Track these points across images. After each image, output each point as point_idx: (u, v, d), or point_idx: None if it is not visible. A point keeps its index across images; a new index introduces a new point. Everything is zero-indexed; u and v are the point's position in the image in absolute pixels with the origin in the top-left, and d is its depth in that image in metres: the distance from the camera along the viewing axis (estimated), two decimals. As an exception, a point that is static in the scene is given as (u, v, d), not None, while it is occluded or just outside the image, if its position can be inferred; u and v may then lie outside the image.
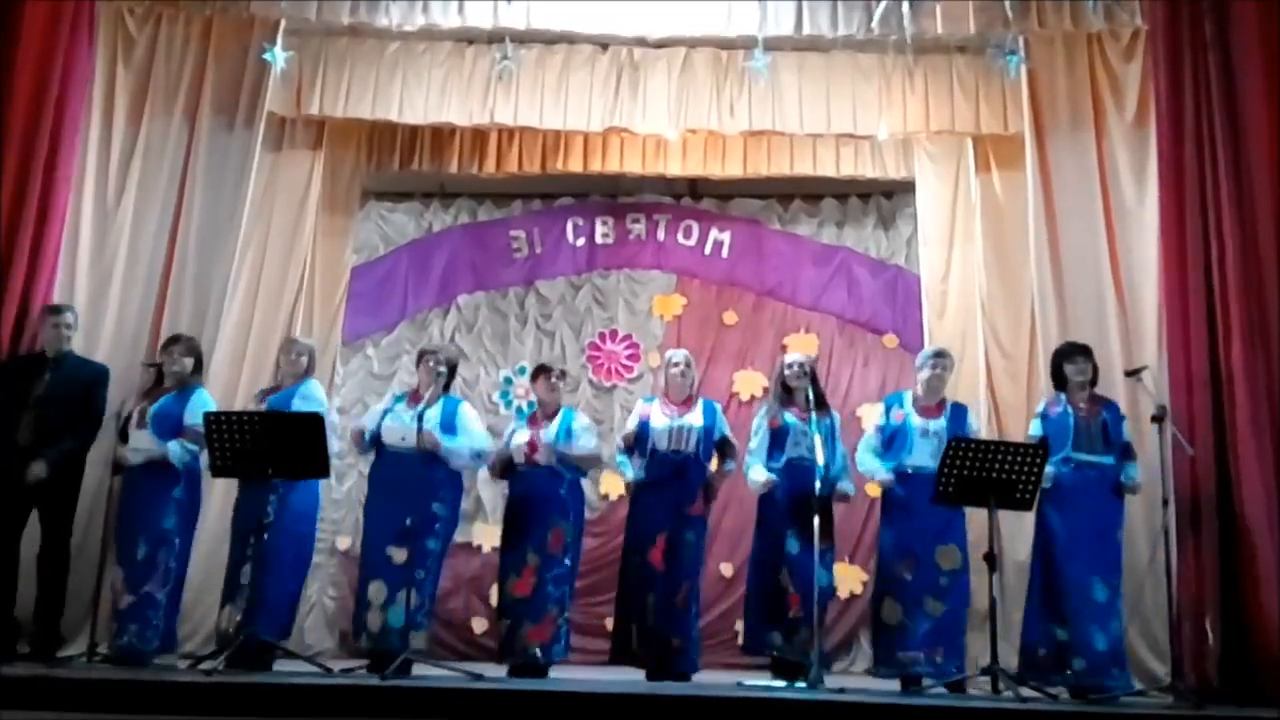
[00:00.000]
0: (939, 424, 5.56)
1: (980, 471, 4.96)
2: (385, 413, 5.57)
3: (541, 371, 5.86)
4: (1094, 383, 5.53)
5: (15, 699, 3.97)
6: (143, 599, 5.33)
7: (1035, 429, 5.54)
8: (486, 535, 7.33)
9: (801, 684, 5.13)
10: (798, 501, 5.42)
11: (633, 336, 7.99)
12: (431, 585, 5.46)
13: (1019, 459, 4.97)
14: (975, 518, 5.52)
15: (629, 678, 5.47)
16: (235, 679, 4.48)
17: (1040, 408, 5.62)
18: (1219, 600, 5.33)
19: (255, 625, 5.03)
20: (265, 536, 5.14)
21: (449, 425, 5.48)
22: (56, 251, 5.94)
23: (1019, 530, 5.78)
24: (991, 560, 4.97)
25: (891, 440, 5.62)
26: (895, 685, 5.36)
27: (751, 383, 7.78)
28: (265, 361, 6.54)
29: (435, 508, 5.41)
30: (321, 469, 5.10)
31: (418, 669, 5.06)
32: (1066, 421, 5.42)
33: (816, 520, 5.14)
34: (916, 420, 5.60)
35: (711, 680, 5.54)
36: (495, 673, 5.33)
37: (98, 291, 6.06)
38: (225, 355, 6.36)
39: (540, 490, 5.60)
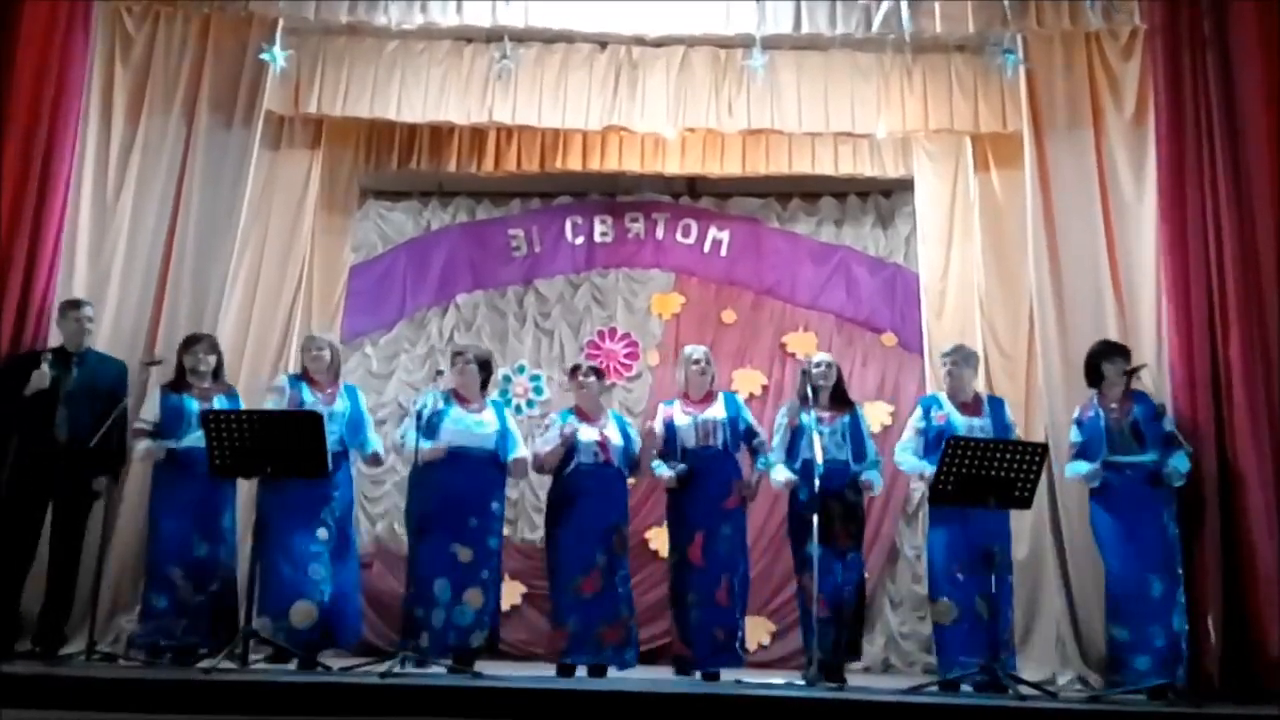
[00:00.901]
0: (983, 421, 5.56)
1: (979, 470, 4.96)
2: (431, 416, 5.48)
3: (572, 372, 5.97)
4: (1129, 381, 5.50)
5: (15, 697, 3.97)
6: (209, 598, 5.39)
7: (1074, 436, 5.53)
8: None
9: (801, 681, 5.13)
10: (819, 501, 5.38)
11: (631, 335, 7.99)
12: (496, 584, 5.57)
13: (1018, 457, 4.98)
14: (1020, 517, 5.59)
15: (627, 675, 5.48)
16: (234, 677, 4.48)
17: (1075, 414, 5.59)
18: (1221, 597, 5.33)
19: (333, 629, 5.32)
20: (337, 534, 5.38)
21: (504, 429, 5.65)
22: (55, 249, 5.94)
23: (1018, 529, 5.78)
24: (991, 559, 4.97)
25: (936, 440, 5.49)
26: (903, 683, 5.35)
27: (750, 381, 7.78)
28: (264, 359, 6.54)
29: (494, 507, 5.56)
30: (320, 467, 5.10)
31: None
32: (1099, 425, 5.42)
33: (816, 519, 5.15)
34: (960, 418, 5.58)
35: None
36: (491, 671, 5.32)
37: (96, 289, 6.05)
38: (224, 353, 6.34)
39: (606, 490, 5.64)
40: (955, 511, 5.34)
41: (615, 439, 5.71)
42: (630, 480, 5.93)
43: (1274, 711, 4.79)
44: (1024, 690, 4.85)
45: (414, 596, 5.33)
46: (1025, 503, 5.09)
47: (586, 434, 5.68)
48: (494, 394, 7.70)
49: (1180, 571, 5.22)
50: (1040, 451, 5.08)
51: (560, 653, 5.51)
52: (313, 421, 5.06)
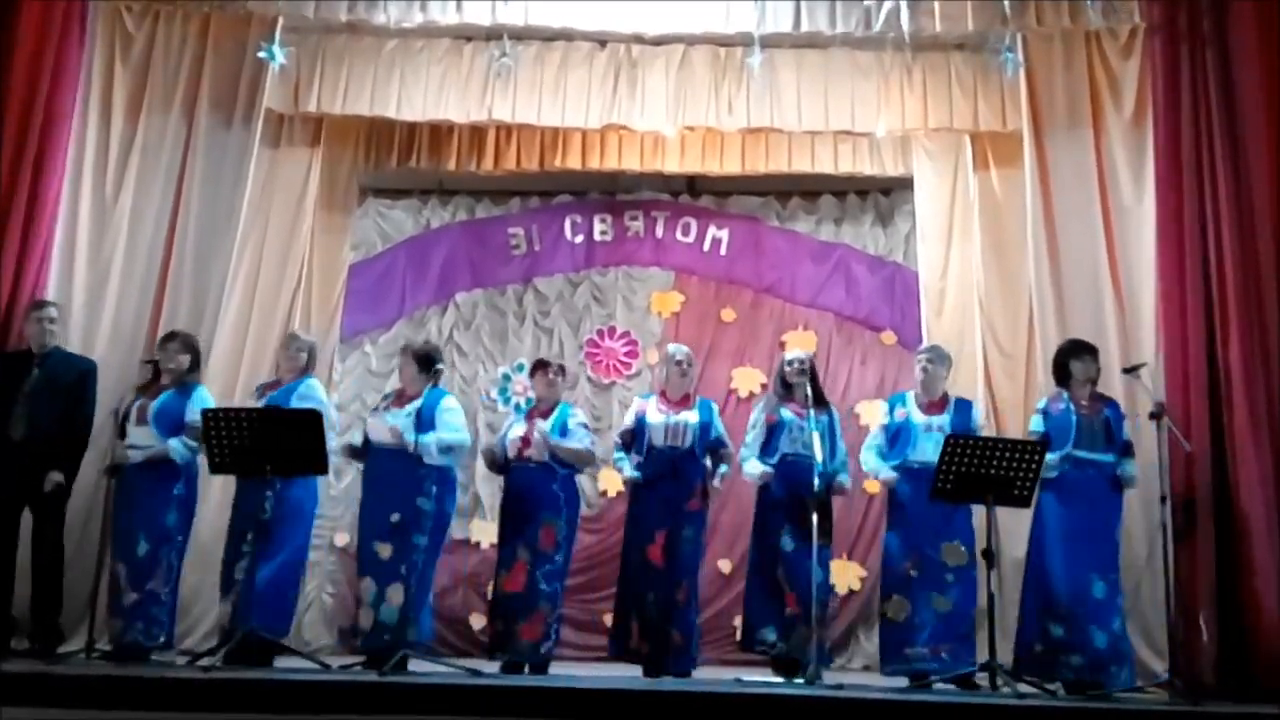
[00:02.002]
0: (942, 420, 5.58)
1: (978, 468, 4.97)
2: (373, 414, 5.57)
3: (540, 366, 5.86)
4: (1096, 381, 5.53)
5: (14, 696, 3.97)
6: (148, 596, 5.34)
7: (1036, 425, 5.55)
8: (485, 532, 7.33)
9: (800, 680, 5.14)
10: (792, 498, 5.46)
11: (631, 333, 7.98)
12: (422, 580, 5.34)
13: (1017, 456, 4.99)
14: (980, 514, 5.50)
15: (627, 674, 5.49)
16: (233, 675, 4.49)
17: (1042, 404, 5.62)
18: (1216, 596, 5.34)
19: (254, 621, 5.01)
20: (263, 532, 5.15)
21: (429, 419, 5.39)
22: (46, 247, 5.95)
23: (1017, 527, 5.78)
24: (990, 557, 4.98)
25: (896, 438, 5.64)
26: (899, 682, 5.36)
27: (750, 379, 7.78)
28: (263, 358, 6.54)
29: (420, 503, 5.33)
30: (319, 466, 5.12)
31: (415, 664, 5.06)
32: (1069, 419, 5.43)
33: (815, 518, 5.15)
34: (919, 417, 5.62)
35: (710, 676, 5.54)
36: (491, 669, 5.33)
37: (96, 287, 6.06)
38: (223, 352, 6.37)
39: (533, 486, 5.59)
40: (906, 509, 5.47)
41: (543, 428, 5.61)
42: (581, 475, 5.90)
43: (1272, 710, 4.79)
44: (1023, 689, 4.86)
45: (356, 596, 5.45)
46: (1024, 501, 5.10)
47: (514, 430, 5.68)
48: (493, 392, 7.83)
49: (1118, 577, 5.29)
50: (1039, 450, 5.09)
51: (486, 650, 5.55)
52: (312, 420, 5.06)
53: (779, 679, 5.35)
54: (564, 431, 5.65)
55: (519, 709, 4.16)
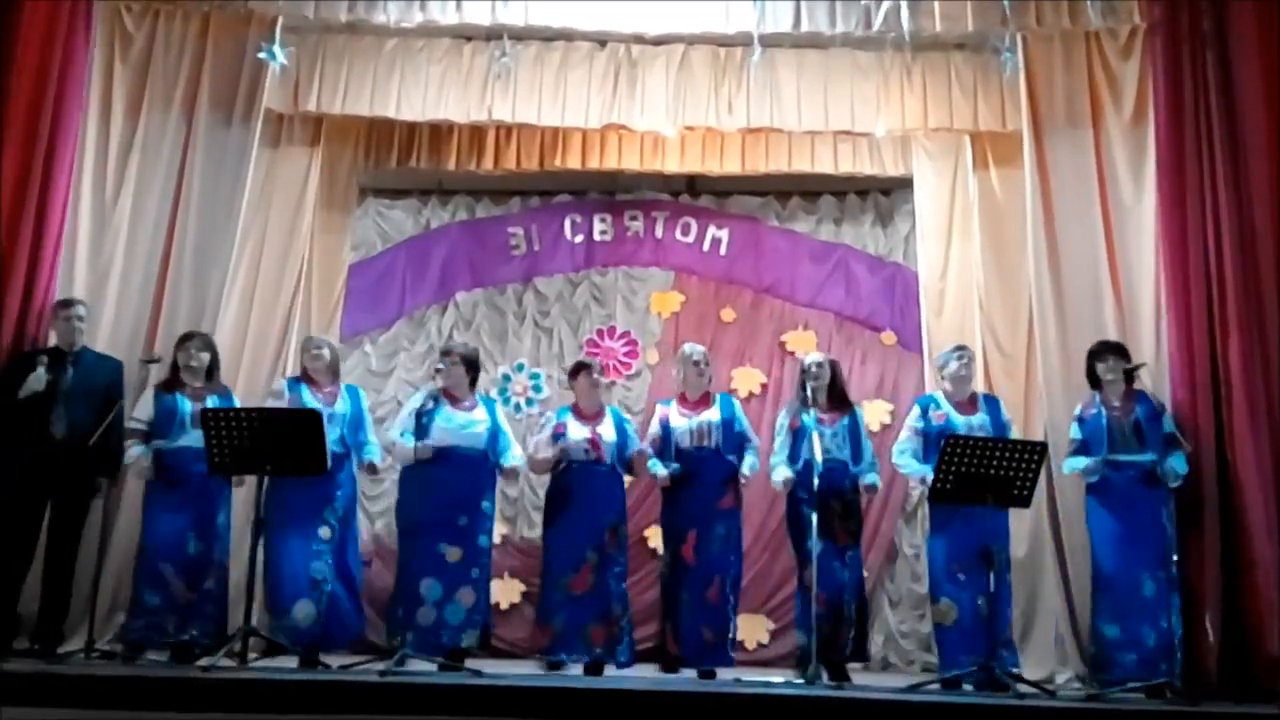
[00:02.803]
0: (981, 419, 5.59)
1: (978, 469, 4.97)
2: (422, 415, 5.39)
3: (582, 369, 5.91)
4: (1132, 380, 5.50)
5: (14, 696, 3.97)
6: (204, 596, 5.38)
7: (1075, 433, 5.55)
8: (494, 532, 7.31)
9: (800, 681, 5.13)
10: (818, 501, 5.40)
11: (631, 333, 7.99)
12: (486, 583, 5.54)
13: (1016, 456, 4.99)
14: (1019, 516, 5.58)
15: (627, 674, 5.49)
16: (233, 675, 4.49)
17: (1077, 411, 5.61)
18: (1219, 597, 5.34)
19: (332, 628, 5.33)
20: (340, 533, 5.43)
21: (496, 426, 5.63)
22: (57, 246, 5.94)
23: (1017, 528, 5.78)
24: (989, 558, 4.97)
25: (939, 440, 5.42)
26: (900, 682, 5.35)
27: (749, 379, 7.78)
28: (263, 358, 6.53)
29: (485, 506, 5.53)
30: (319, 465, 5.11)
31: (415, 664, 5.06)
32: (1100, 424, 5.44)
33: (815, 518, 5.17)
34: (959, 417, 5.60)
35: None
36: (491, 669, 5.32)
37: (96, 287, 6.05)
38: (223, 351, 6.28)
39: (597, 488, 5.64)
40: (955, 513, 5.35)
41: (609, 436, 5.70)
42: (628, 478, 5.93)
43: (1273, 710, 4.80)
44: (1023, 689, 4.85)
45: (399, 595, 5.37)
46: (1024, 501, 5.10)
47: (577, 432, 5.69)
48: (492, 391, 7.83)
49: (1175, 572, 5.20)
50: (1039, 450, 5.09)
51: (544, 650, 5.54)
52: (311, 420, 5.06)
53: (778, 678, 5.34)
54: (625, 436, 5.80)
55: (519, 709, 4.16)
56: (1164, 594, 5.22)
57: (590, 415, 5.77)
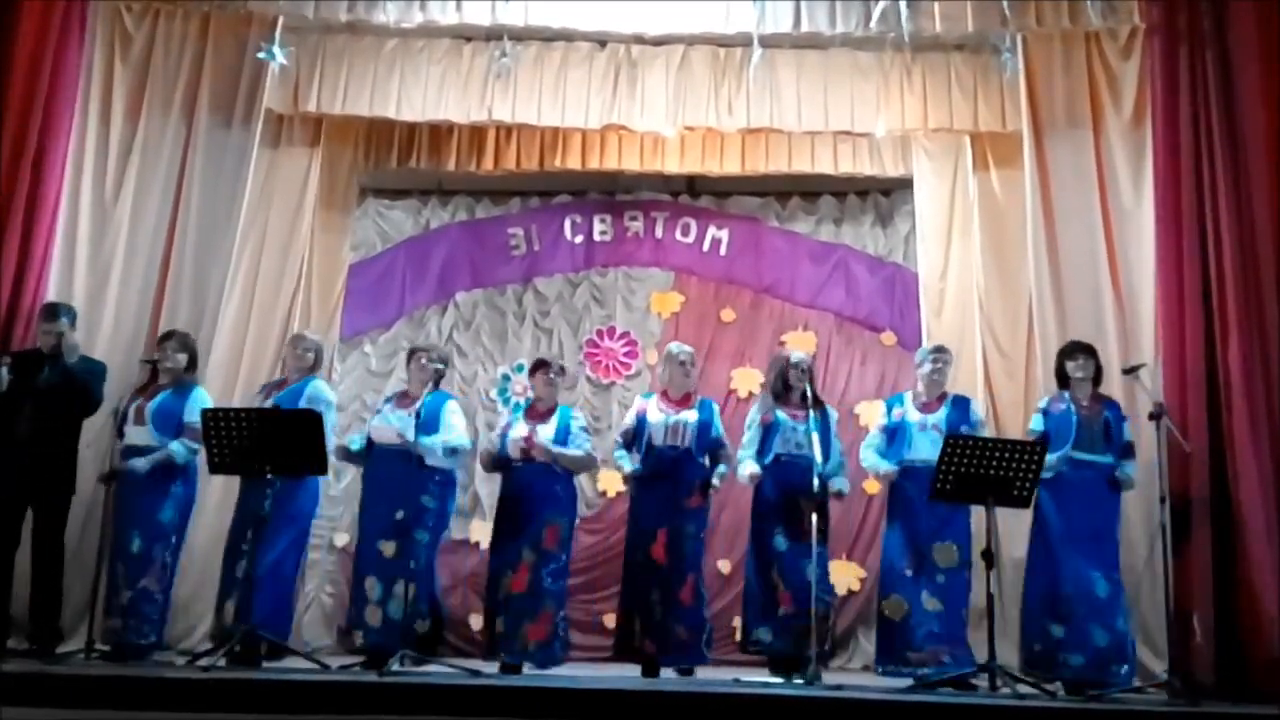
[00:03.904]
0: (937, 417, 5.60)
1: (978, 469, 4.97)
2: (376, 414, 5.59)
3: (540, 366, 5.87)
4: (1098, 381, 5.54)
5: (14, 696, 3.97)
6: (140, 593, 5.35)
7: (1036, 424, 5.58)
8: (484, 532, 7.29)
9: (799, 680, 5.14)
10: (786, 498, 5.48)
11: (631, 334, 7.99)
12: (427, 575, 5.48)
13: (1017, 456, 4.99)
14: (979, 514, 5.50)
15: (627, 674, 5.49)
16: (232, 675, 4.49)
17: (1043, 403, 5.64)
18: (1214, 597, 5.34)
19: (253, 621, 5.02)
20: (262, 532, 5.14)
21: (432, 421, 5.49)
22: (47, 248, 5.95)
23: (1017, 528, 5.78)
24: (989, 557, 4.98)
25: (893, 437, 5.67)
26: (897, 682, 5.35)
27: (749, 380, 7.77)
28: (263, 357, 6.54)
29: (424, 500, 5.44)
30: (319, 466, 5.12)
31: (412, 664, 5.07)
32: (1069, 419, 5.45)
33: (815, 518, 5.16)
34: (914, 415, 5.65)
35: (710, 676, 5.53)
36: (491, 669, 5.33)
37: (96, 288, 6.07)
38: (223, 352, 6.36)
39: (536, 486, 5.60)
40: (904, 507, 5.50)
41: (546, 435, 5.62)
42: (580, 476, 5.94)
43: (1271, 710, 4.79)
44: (1023, 689, 4.85)
45: (351, 595, 5.55)
46: (1024, 501, 5.09)
47: (516, 431, 5.68)
48: (492, 392, 7.83)
49: (1120, 576, 5.29)
50: (1039, 450, 5.09)
51: (486, 651, 5.56)
52: (312, 420, 5.06)
53: (778, 679, 5.35)
54: (565, 436, 5.66)
55: (519, 709, 4.16)
56: (1115, 595, 5.26)
57: (540, 414, 5.75)
